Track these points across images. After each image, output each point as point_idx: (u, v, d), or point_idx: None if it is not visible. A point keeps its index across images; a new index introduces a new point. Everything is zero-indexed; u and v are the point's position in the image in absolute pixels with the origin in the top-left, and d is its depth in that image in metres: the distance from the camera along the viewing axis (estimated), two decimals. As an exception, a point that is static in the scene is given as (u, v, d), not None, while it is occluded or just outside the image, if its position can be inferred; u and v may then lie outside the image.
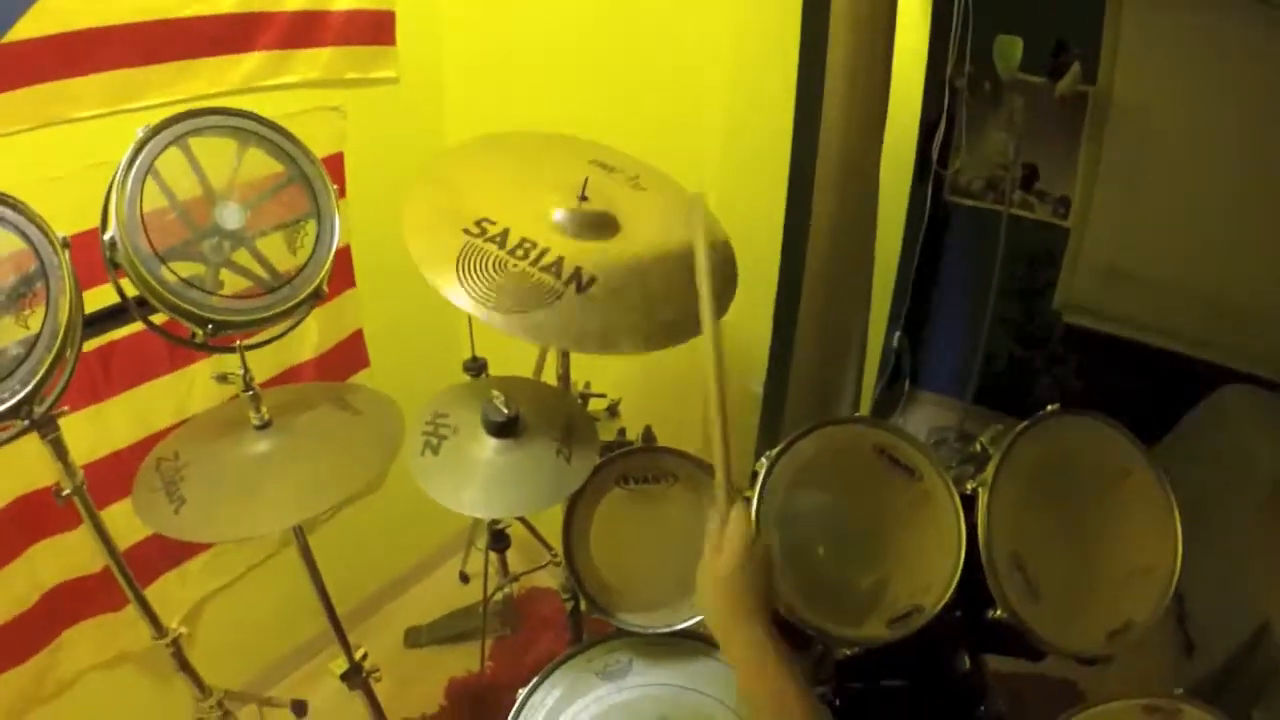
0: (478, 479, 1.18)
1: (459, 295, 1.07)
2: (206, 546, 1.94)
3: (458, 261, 1.09)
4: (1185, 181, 2.34)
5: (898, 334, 2.72)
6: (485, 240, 1.13)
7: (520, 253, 1.12)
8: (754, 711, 0.89)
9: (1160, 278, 2.45)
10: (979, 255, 2.65)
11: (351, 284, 2.03)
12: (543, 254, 1.13)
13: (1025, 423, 1.24)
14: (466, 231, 1.13)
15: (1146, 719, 1.03)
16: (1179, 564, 1.21)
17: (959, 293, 2.79)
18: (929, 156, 2.60)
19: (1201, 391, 2.27)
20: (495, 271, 1.09)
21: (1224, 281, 2.32)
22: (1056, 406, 1.26)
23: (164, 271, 1.09)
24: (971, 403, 2.69)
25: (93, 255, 1.08)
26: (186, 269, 1.12)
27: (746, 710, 0.92)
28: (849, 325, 1.60)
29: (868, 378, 2.26)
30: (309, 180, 1.23)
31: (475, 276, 1.09)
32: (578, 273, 1.12)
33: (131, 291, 1.11)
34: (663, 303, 1.15)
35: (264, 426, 1.23)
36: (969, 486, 1.20)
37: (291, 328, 1.27)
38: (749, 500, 1.15)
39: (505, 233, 1.14)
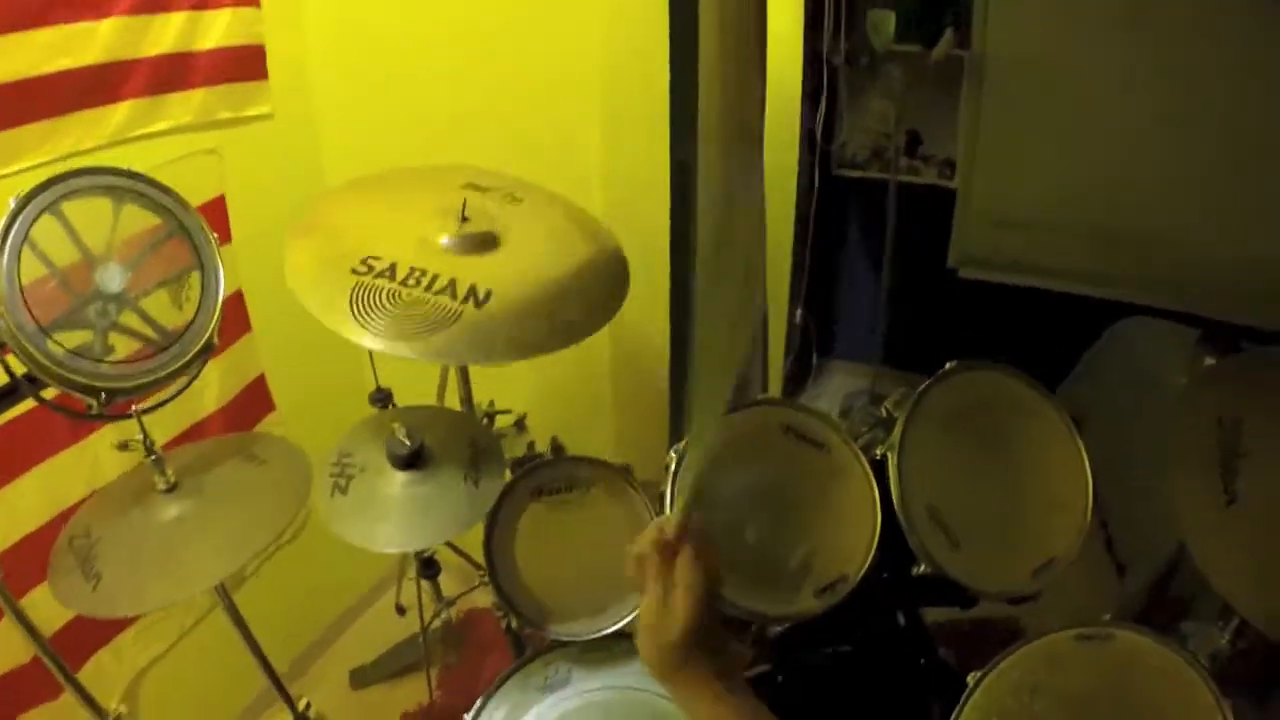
0: (390, 514, 1.18)
1: (359, 334, 1.07)
2: (134, 620, 1.87)
3: (351, 303, 1.09)
4: (1062, 127, 2.43)
5: (800, 311, 2.78)
6: (374, 276, 1.12)
7: (412, 281, 1.13)
8: None
9: (1048, 221, 2.54)
10: (871, 223, 2.72)
11: (248, 329, 1.98)
12: (434, 279, 1.14)
13: (927, 382, 1.28)
14: (354, 271, 1.13)
15: (1081, 646, 1.06)
16: (1090, 497, 1.26)
17: (856, 262, 2.86)
18: (814, 134, 2.65)
19: (1099, 328, 2.36)
20: (391, 303, 1.10)
21: (1109, 217, 2.42)
22: (955, 363, 1.30)
23: (50, 345, 1.05)
24: (880, 366, 2.76)
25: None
26: (73, 338, 1.08)
27: None
28: (746, 306, 1.63)
29: (776, 354, 2.30)
30: (188, 231, 1.20)
31: (372, 313, 1.08)
32: (473, 289, 1.13)
33: (19, 369, 1.07)
34: (561, 304, 1.17)
35: (171, 490, 1.20)
36: (879, 452, 1.23)
37: (186, 385, 1.24)
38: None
39: (393, 266, 1.15)
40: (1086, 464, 1.27)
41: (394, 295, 1.11)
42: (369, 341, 1.06)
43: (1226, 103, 2.16)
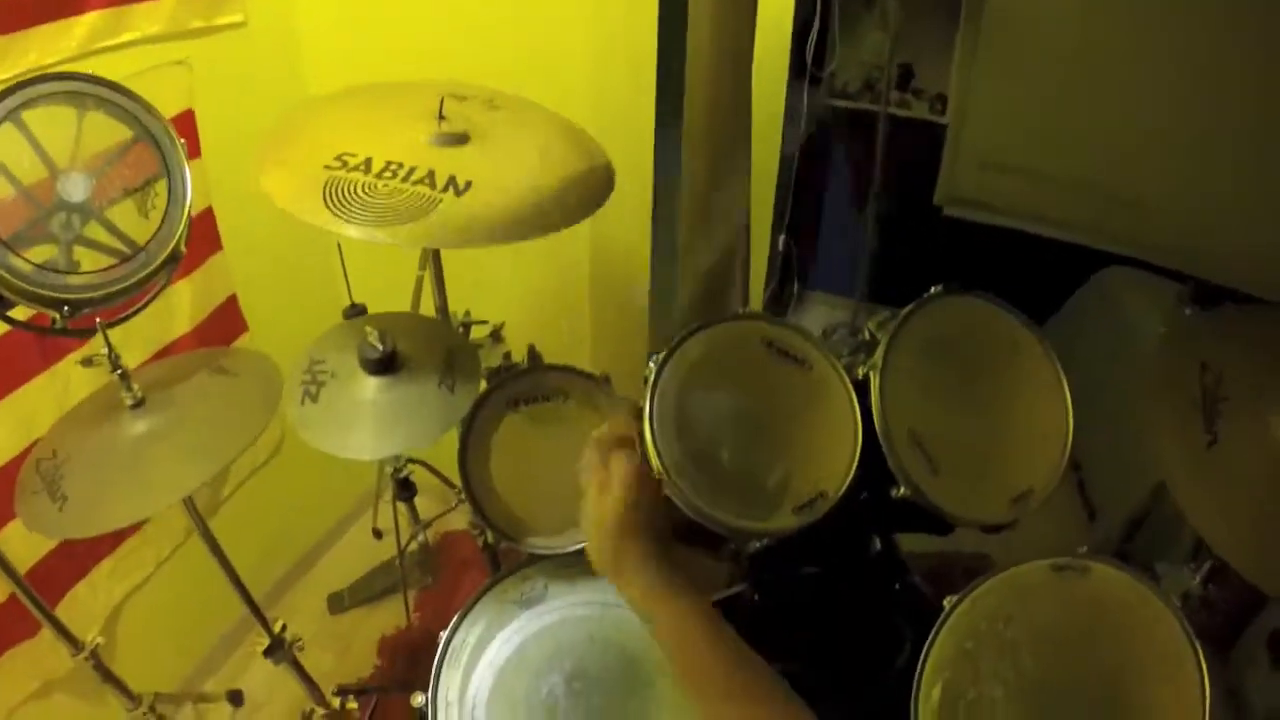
0: (361, 421, 1.16)
1: (333, 223, 1.04)
2: (110, 550, 1.87)
3: (324, 194, 1.06)
4: (1061, 72, 2.38)
5: (782, 237, 2.75)
6: (349, 170, 1.09)
7: (389, 174, 1.10)
8: (668, 652, 0.85)
9: (1039, 168, 2.51)
10: (859, 155, 2.67)
11: (218, 248, 1.94)
12: (411, 170, 1.11)
13: (912, 305, 1.26)
14: (327, 167, 1.09)
15: (1056, 577, 1.06)
16: (1070, 429, 1.25)
17: (841, 193, 2.81)
18: (804, 60, 2.59)
19: (1083, 276, 2.35)
20: (367, 194, 1.07)
21: (1101, 170, 2.39)
22: (940, 288, 1.29)
23: (14, 260, 1.02)
24: (862, 300, 2.74)
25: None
26: (38, 254, 1.06)
27: (665, 654, 0.86)
28: (730, 225, 1.61)
29: (757, 283, 2.28)
30: (154, 137, 1.17)
31: (347, 203, 1.05)
32: (453, 179, 1.11)
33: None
34: (543, 195, 1.15)
35: (138, 405, 1.18)
36: (861, 372, 1.21)
37: (153, 297, 1.22)
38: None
39: (368, 160, 1.12)
40: (1068, 397, 1.26)
41: (370, 187, 1.08)
42: (343, 229, 1.03)
43: (1240, 68, 2.12)
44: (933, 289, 1.29)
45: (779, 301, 2.64)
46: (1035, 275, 2.28)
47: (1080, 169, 2.41)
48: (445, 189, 1.09)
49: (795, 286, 2.71)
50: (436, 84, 1.35)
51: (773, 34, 2.05)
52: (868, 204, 2.62)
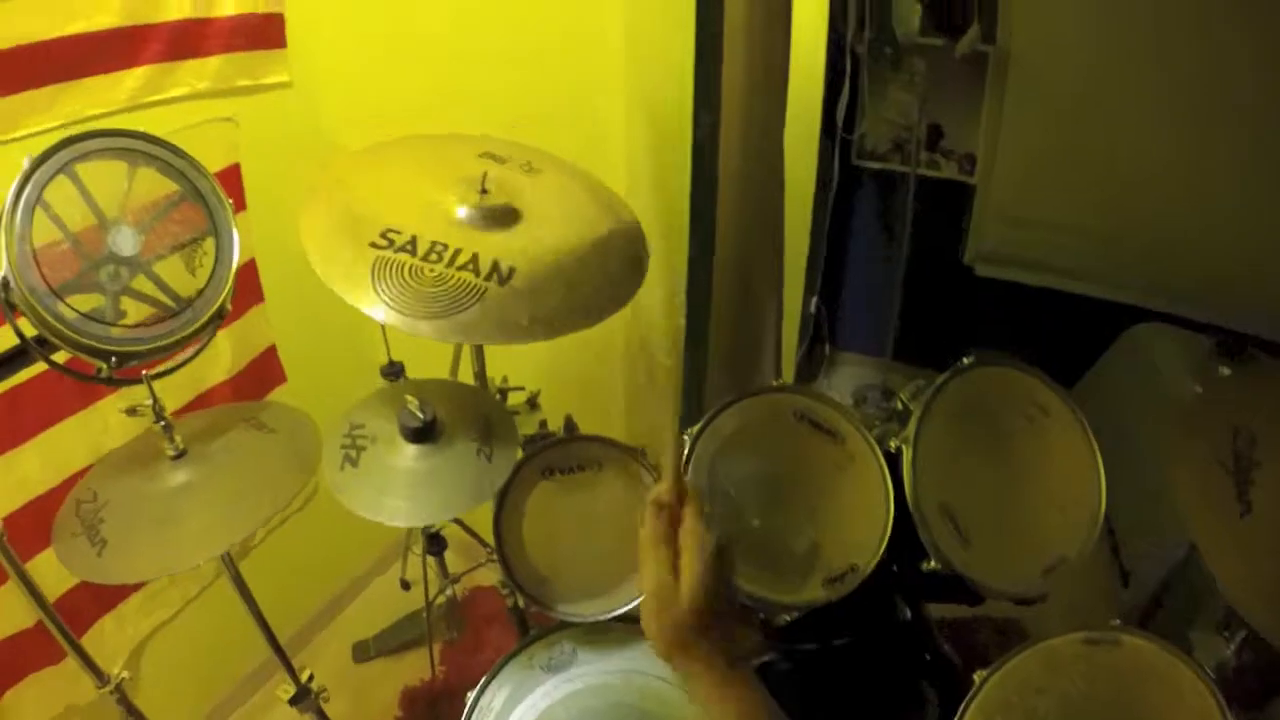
0: (399, 487, 1.17)
1: (381, 311, 1.05)
2: (139, 587, 1.87)
3: (372, 277, 1.06)
4: (1085, 129, 2.40)
5: (814, 299, 2.76)
6: (395, 251, 1.10)
7: (434, 256, 1.10)
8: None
9: (1067, 223, 2.51)
10: (889, 216, 2.69)
11: (260, 299, 1.97)
12: (456, 254, 1.11)
13: (943, 376, 1.27)
14: (374, 245, 1.10)
15: (1087, 650, 1.05)
16: (1103, 496, 1.25)
17: (872, 254, 2.82)
18: (834, 122, 2.62)
19: (1113, 332, 2.34)
20: (412, 279, 1.07)
21: (1129, 222, 2.39)
22: (972, 358, 1.29)
23: (61, 308, 1.04)
24: (892, 360, 2.74)
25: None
26: (85, 302, 1.07)
27: None
28: (763, 291, 1.62)
29: (789, 345, 2.28)
30: (203, 196, 1.18)
31: (393, 288, 1.06)
32: (496, 266, 1.11)
33: (30, 331, 1.06)
34: (583, 279, 1.15)
35: (179, 456, 1.19)
36: (893, 444, 1.22)
37: (198, 352, 1.23)
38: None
39: (414, 240, 1.12)
40: (1100, 465, 1.27)
41: (416, 271, 1.08)
42: (393, 320, 1.04)
43: (1255, 114, 2.13)
44: (965, 359, 1.29)
45: (810, 362, 2.65)
46: (1066, 333, 2.28)
47: (1107, 222, 2.41)
48: (489, 277, 1.10)
49: (826, 348, 2.72)
50: (474, 140, 1.37)
51: (803, 98, 2.08)
52: (897, 264, 2.63)
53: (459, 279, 1.08)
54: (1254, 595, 1.07)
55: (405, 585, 2.08)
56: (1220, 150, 2.19)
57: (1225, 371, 1.80)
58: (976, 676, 1.06)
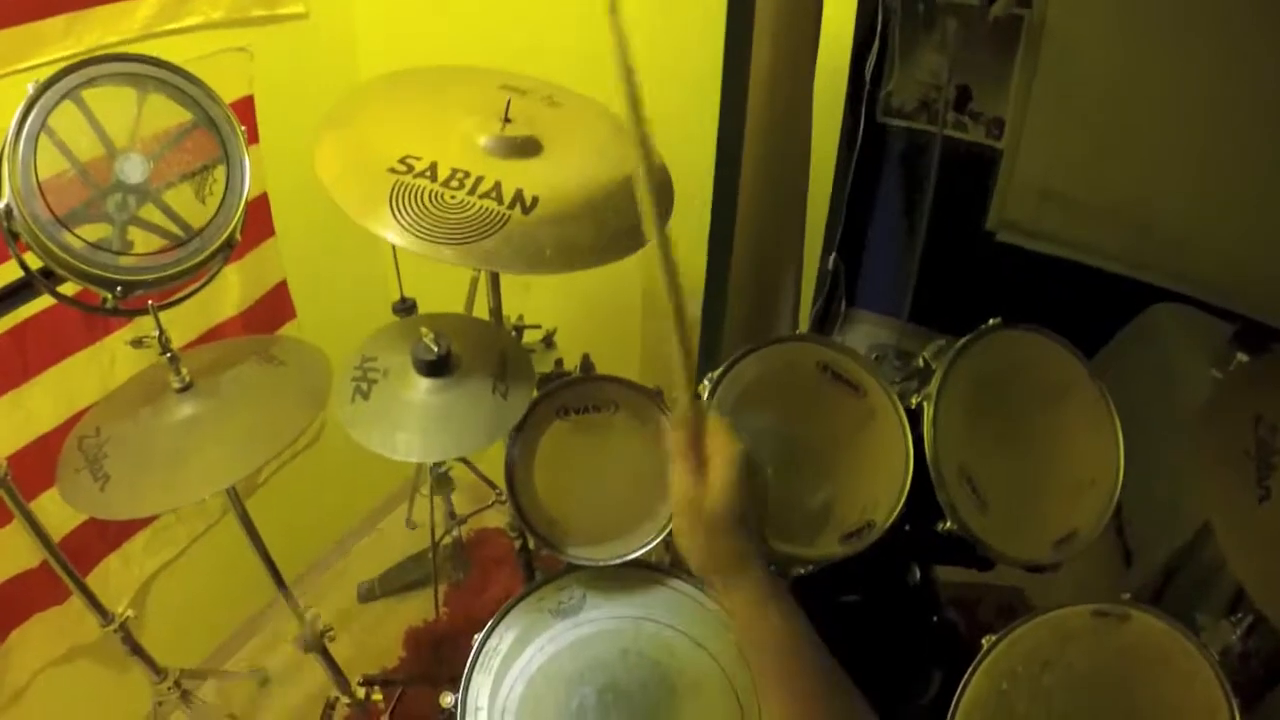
0: (412, 422, 1.15)
1: (400, 236, 1.01)
2: (145, 525, 1.88)
3: (390, 202, 1.03)
4: (1117, 104, 2.36)
5: (833, 256, 2.73)
6: (414, 176, 1.07)
7: (455, 183, 1.08)
8: (759, 656, 0.77)
9: (1092, 198, 2.48)
10: (912, 176, 2.65)
11: (271, 233, 1.95)
12: (478, 181, 1.09)
13: (968, 336, 1.24)
14: (392, 170, 1.07)
15: (1096, 623, 1.05)
16: (1120, 474, 1.24)
17: (893, 213, 2.79)
18: (862, 77, 2.57)
19: (1132, 310, 2.31)
20: (433, 205, 1.05)
21: (1155, 203, 2.36)
22: (998, 320, 1.26)
23: (67, 237, 1.02)
24: (908, 321, 2.72)
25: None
26: (92, 232, 1.05)
27: (750, 656, 0.79)
28: (785, 244, 1.59)
29: (805, 299, 2.26)
30: (215, 124, 1.16)
31: (413, 214, 1.03)
32: (519, 194, 1.09)
33: (35, 264, 1.04)
34: (609, 213, 1.13)
35: (185, 389, 1.18)
36: (914, 401, 1.20)
37: (206, 282, 1.22)
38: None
39: (434, 166, 1.09)
40: (1120, 442, 1.25)
41: (436, 196, 1.05)
42: (411, 245, 1.01)
43: None
44: (990, 321, 1.26)
45: (826, 319, 2.63)
46: (1082, 307, 2.24)
47: (1132, 200, 2.38)
48: (512, 205, 1.08)
49: (843, 305, 2.70)
50: (494, 73, 1.34)
51: (831, 51, 2.03)
52: (919, 225, 2.59)
53: (481, 206, 1.06)
54: (1267, 580, 1.05)
55: (411, 526, 2.09)
56: (1249, 138, 2.15)
57: (1243, 358, 1.78)
58: (985, 641, 1.05)
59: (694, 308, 1.44)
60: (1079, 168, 2.48)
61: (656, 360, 1.89)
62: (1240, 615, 1.17)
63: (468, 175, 1.09)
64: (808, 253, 1.94)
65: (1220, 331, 1.98)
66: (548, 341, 1.46)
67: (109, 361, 1.66)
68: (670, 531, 1.18)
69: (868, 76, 2.55)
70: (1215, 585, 1.46)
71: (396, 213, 1.03)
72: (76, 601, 1.30)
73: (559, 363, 1.41)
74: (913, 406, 1.19)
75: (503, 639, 1.15)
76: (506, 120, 1.16)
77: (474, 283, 1.54)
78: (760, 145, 1.51)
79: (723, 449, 0.76)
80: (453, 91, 1.31)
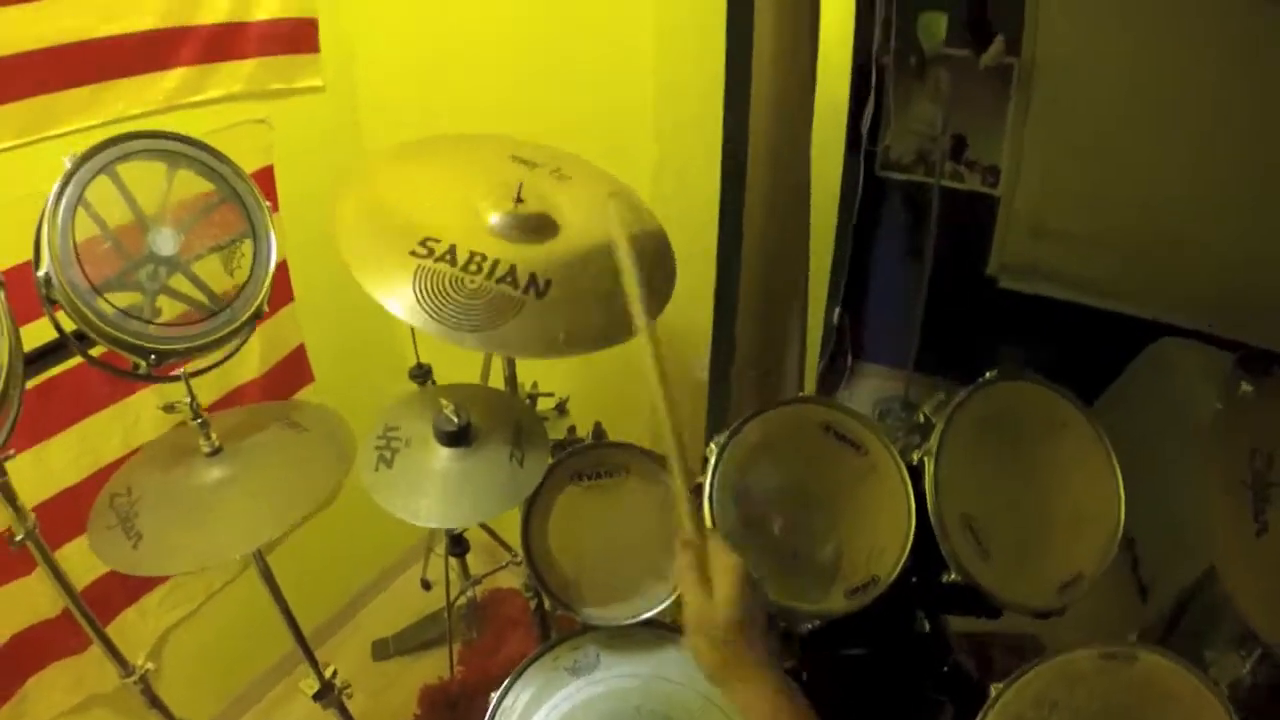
0: (433, 489, 1.18)
1: (425, 323, 1.05)
2: (163, 579, 1.90)
3: (414, 288, 1.07)
4: (1110, 143, 2.40)
5: (838, 310, 2.77)
6: (435, 260, 1.10)
7: (473, 268, 1.10)
8: None
9: (1090, 236, 2.51)
10: (913, 227, 2.70)
11: (290, 298, 2.00)
12: (494, 265, 1.11)
13: (965, 391, 1.27)
14: (414, 254, 1.10)
15: (1104, 665, 1.05)
16: (1122, 513, 1.25)
17: (895, 265, 2.84)
18: (859, 133, 2.63)
19: (1134, 346, 2.33)
20: (454, 290, 1.07)
21: (1152, 236, 2.39)
22: (994, 373, 1.30)
23: (100, 303, 1.06)
24: (914, 371, 2.74)
25: (23, 290, 1.04)
26: (124, 299, 1.08)
27: None
28: (789, 304, 1.62)
29: (811, 354, 2.29)
30: (240, 198, 1.20)
31: (436, 300, 1.06)
32: (533, 279, 1.11)
33: (69, 325, 1.08)
34: (616, 290, 1.14)
35: (215, 453, 1.21)
36: (915, 457, 1.23)
37: (235, 350, 1.25)
38: (700, 488, 1.16)
39: (453, 249, 1.12)
40: (1119, 482, 1.27)
41: (457, 282, 1.08)
42: (437, 332, 1.04)
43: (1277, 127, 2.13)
44: (987, 374, 1.29)
45: (832, 373, 2.65)
46: (1089, 346, 2.28)
47: (1130, 236, 2.41)
48: (527, 290, 1.10)
49: (849, 359, 2.73)
50: (503, 141, 1.38)
51: (828, 108, 2.09)
52: (921, 276, 2.63)
53: (498, 291, 1.09)
54: (1269, 614, 1.06)
55: (426, 585, 2.10)
56: (1245, 168, 2.19)
57: (1247, 388, 1.80)
58: (993, 689, 1.06)
59: (700, 371, 1.47)
60: (1074, 202, 2.52)
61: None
62: (1248, 648, 1.17)
63: (484, 259, 1.12)
64: (812, 308, 1.97)
65: (1224, 362, 2.00)
66: (561, 409, 1.49)
67: (133, 419, 1.70)
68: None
69: (864, 132, 2.62)
70: (1226, 618, 1.45)
71: (421, 299, 1.06)
72: (95, 651, 1.30)
73: (572, 429, 1.44)
74: (914, 462, 1.22)
75: (519, 697, 1.18)
76: (519, 200, 1.19)
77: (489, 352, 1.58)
78: (761, 201, 1.55)
79: (725, 565, 0.83)
80: (463, 163, 1.34)
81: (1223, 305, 2.23)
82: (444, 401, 1.18)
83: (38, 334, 1.14)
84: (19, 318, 1.02)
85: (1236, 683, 1.15)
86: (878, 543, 1.19)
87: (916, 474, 1.21)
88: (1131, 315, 2.39)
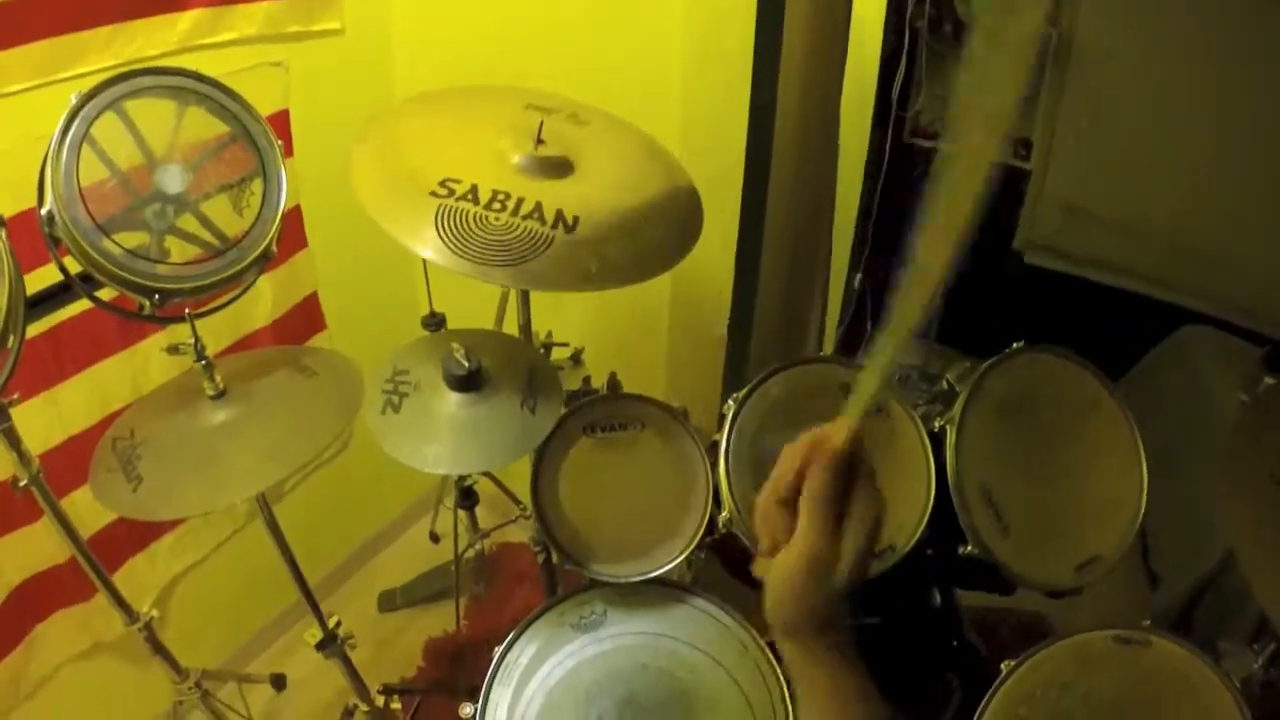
0: (441, 435, 1.16)
1: (449, 260, 1.02)
2: (172, 527, 1.92)
3: (436, 226, 1.05)
4: (1144, 123, 2.34)
5: (859, 275, 2.73)
6: (457, 200, 1.08)
7: (497, 205, 1.09)
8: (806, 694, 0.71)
9: (1120, 218, 2.46)
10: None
11: (303, 245, 1.98)
12: (519, 203, 1.10)
13: (992, 359, 1.24)
14: (434, 194, 1.08)
15: (1118, 648, 1.04)
16: (1144, 498, 1.23)
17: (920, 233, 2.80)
18: (889, 98, 2.57)
19: (1160, 331, 2.29)
20: (479, 227, 1.05)
21: (1183, 222, 2.34)
22: (1022, 343, 1.26)
23: (106, 243, 1.05)
24: (934, 342, 2.71)
25: (33, 236, 1.04)
26: (130, 239, 1.08)
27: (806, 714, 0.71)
28: (812, 263, 1.59)
29: (830, 319, 2.26)
30: (252, 138, 1.18)
31: (460, 238, 1.04)
32: (560, 214, 1.10)
33: (74, 268, 1.07)
34: (646, 226, 1.15)
35: (219, 396, 1.20)
36: (937, 424, 1.20)
37: (242, 292, 1.24)
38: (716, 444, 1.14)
39: (474, 188, 1.10)
40: (1144, 466, 1.24)
41: (480, 219, 1.07)
42: (461, 268, 1.02)
43: None
44: (1014, 345, 1.26)
45: (851, 340, 2.62)
46: (1110, 329, 2.23)
47: (1163, 217, 2.36)
48: (555, 225, 1.09)
49: (869, 325, 2.69)
50: (519, 91, 1.36)
51: (859, 71, 2.04)
52: (945, 246, 2.59)
53: (526, 227, 1.07)
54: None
55: (435, 538, 2.10)
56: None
57: (1270, 381, 1.76)
58: (1004, 666, 1.05)
59: (719, 327, 1.44)
60: (1108, 185, 2.46)
61: (681, 380, 1.90)
62: (1263, 644, 1.16)
63: (508, 197, 1.10)
64: (835, 272, 1.94)
65: (1250, 354, 1.96)
66: (575, 359, 1.47)
67: (142, 365, 1.70)
68: (692, 548, 1.19)
69: (895, 97, 2.56)
70: (1239, 612, 1.44)
71: (444, 237, 1.04)
72: (101, 599, 1.32)
73: (586, 380, 1.42)
74: (936, 430, 1.20)
75: (523, 651, 1.16)
76: (540, 141, 1.18)
77: (504, 299, 1.56)
78: (788, 161, 1.52)
79: (871, 507, 0.68)
80: (480, 111, 1.33)
81: (1253, 301, 2.18)
82: (454, 345, 1.16)
83: (44, 280, 1.13)
84: (25, 264, 1.00)
85: (1249, 678, 1.14)
86: (896, 510, 1.16)
87: (937, 442, 1.18)
88: (1158, 300, 2.35)
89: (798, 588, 0.67)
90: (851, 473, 0.69)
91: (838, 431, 0.69)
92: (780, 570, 0.68)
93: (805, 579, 0.66)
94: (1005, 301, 2.51)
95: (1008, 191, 2.59)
